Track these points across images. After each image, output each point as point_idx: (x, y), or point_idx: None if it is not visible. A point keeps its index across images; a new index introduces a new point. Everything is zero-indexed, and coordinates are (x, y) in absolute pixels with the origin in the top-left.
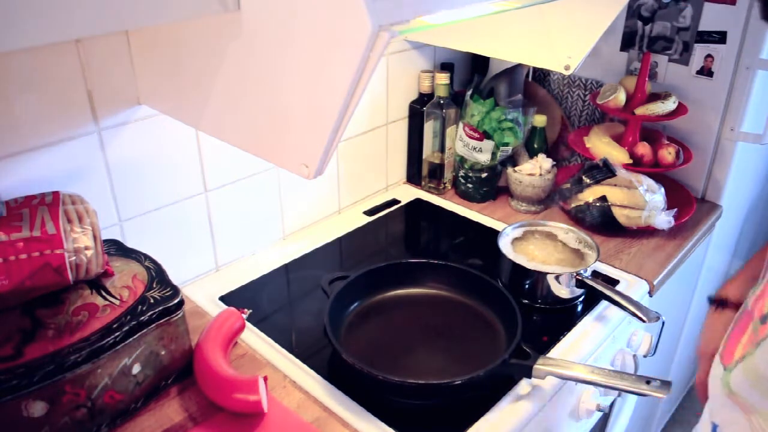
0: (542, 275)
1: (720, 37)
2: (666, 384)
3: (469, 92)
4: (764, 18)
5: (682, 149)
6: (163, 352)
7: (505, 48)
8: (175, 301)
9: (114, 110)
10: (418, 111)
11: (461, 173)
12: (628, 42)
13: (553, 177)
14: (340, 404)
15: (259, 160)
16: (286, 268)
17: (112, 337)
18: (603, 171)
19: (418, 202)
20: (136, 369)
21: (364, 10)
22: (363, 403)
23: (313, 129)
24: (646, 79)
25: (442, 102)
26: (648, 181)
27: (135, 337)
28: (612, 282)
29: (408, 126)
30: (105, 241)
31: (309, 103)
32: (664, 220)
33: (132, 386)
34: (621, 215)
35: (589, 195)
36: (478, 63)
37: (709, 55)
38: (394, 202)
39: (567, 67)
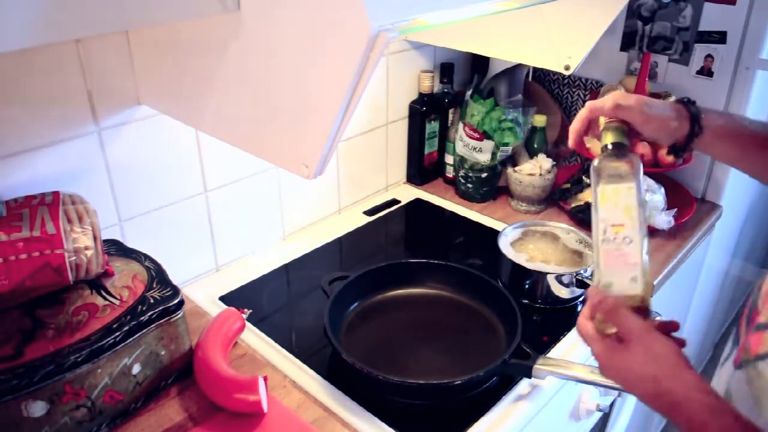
0: (542, 275)
1: (720, 37)
2: None
3: (469, 92)
4: None
5: None
6: (163, 352)
7: (505, 48)
8: (175, 301)
9: (114, 110)
10: (418, 111)
11: (461, 173)
12: (628, 42)
13: (553, 177)
14: (340, 404)
15: (259, 160)
16: (286, 268)
17: (112, 337)
18: None
19: (418, 202)
20: (136, 369)
21: (364, 10)
22: (363, 403)
23: (313, 129)
24: (646, 79)
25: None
26: (648, 181)
27: (135, 337)
28: None
29: (408, 126)
30: (105, 241)
31: (309, 103)
32: (664, 220)
33: (132, 386)
34: None
35: (590, 195)
36: (478, 63)
37: (709, 55)
38: (394, 202)
39: (567, 67)
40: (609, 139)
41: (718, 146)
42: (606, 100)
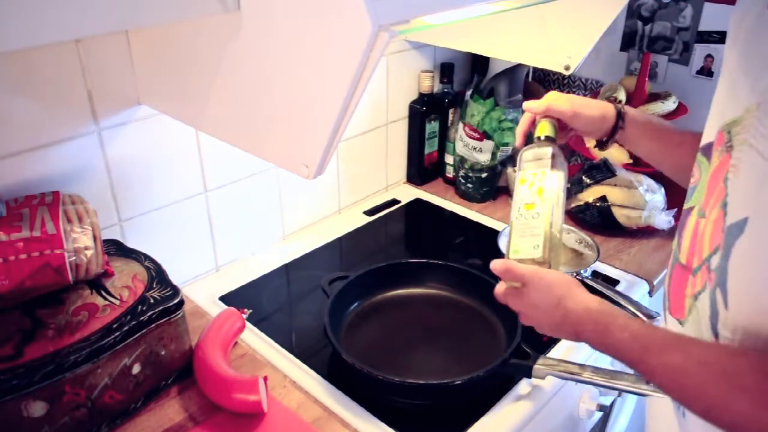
0: None
1: (720, 37)
2: None
3: (469, 92)
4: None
5: None
6: (163, 352)
7: (505, 48)
8: (175, 301)
9: (114, 110)
10: (418, 111)
11: (461, 173)
12: (628, 42)
13: None
14: (340, 404)
15: (259, 160)
16: (286, 268)
17: (112, 337)
18: (603, 171)
19: (418, 202)
20: (136, 369)
21: (364, 10)
22: (363, 403)
23: (313, 129)
24: (646, 79)
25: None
26: (648, 181)
27: (135, 337)
28: (612, 282)
29: (408, 126)
30: (105, 241)
31: (309, 103)
32: (664, 220)
33: (132, 386)
34: (621, 215)
35: (589, 195)
36: (478, 63)
37: (709, 55)
38: (394, 202)
39: (567, 67)
40: (541, 131)
41: (641, 141)
42: (540, 102)
